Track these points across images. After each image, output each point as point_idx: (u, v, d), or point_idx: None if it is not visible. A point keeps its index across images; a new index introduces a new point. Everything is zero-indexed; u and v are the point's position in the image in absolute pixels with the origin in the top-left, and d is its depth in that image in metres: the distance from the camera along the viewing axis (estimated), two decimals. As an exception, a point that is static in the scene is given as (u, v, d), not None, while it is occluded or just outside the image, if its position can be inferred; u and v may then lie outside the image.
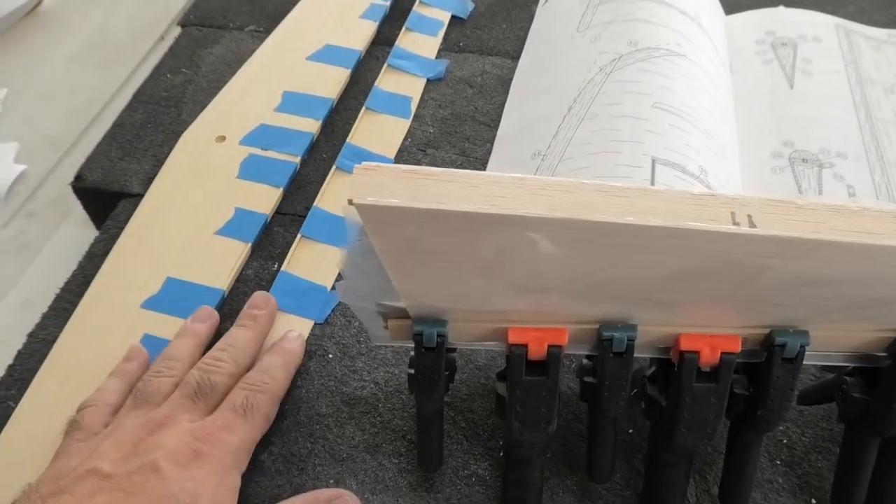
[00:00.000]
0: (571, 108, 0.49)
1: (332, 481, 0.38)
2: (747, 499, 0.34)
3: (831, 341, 0.30)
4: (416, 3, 0.65)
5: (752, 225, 0.25)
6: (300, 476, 0.38)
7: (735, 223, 0.25)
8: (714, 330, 0.30)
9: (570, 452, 0.39)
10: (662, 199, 0.25)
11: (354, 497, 0.36)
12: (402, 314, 0.30)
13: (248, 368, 0.39)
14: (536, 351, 0.30)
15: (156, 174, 0.52)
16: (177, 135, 0.55)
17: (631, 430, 0.40)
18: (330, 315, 0.45)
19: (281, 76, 0.58)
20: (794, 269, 0.26)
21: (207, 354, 0.39)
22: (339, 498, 0.35)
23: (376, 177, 0.25)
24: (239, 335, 0.40)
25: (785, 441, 0.39)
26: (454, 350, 0.34)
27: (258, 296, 0.43)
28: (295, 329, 0.43)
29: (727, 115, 0.51)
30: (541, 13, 0.63)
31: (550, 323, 0.30)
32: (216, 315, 0.43)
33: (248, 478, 0.38)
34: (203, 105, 0.57)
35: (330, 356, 0.43)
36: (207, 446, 0.33)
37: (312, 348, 0.44)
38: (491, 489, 0.38)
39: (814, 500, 0.37)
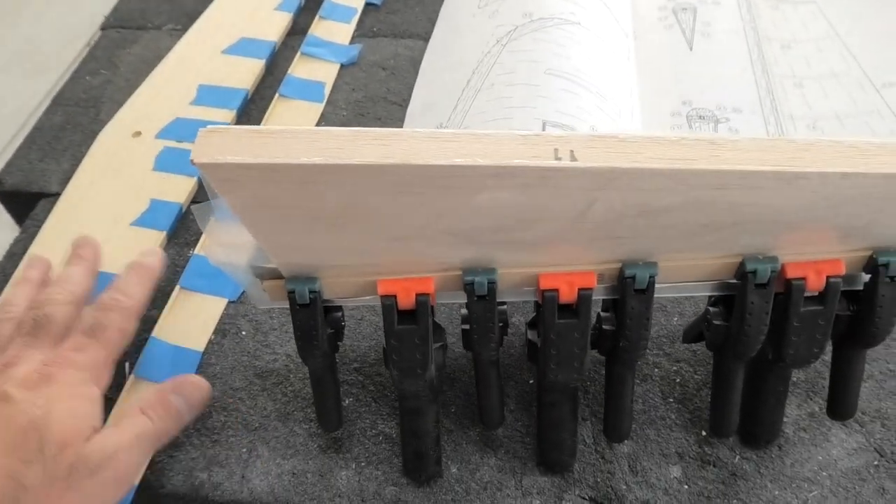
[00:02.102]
0: (470, 80, 0.51)
1: (244, 450, 0.40)
2: (628, 431, 0.36)
3: (682, 271, 0.31)
4: (330, -8, 0.67)
5: (573, 159, 0.26)
6: (213, 448, 0.40)
7: (557, 158, 0.26)
8: (571, 268, 0.31)
9: (474, 405, 0.40)
10: (491, 141, 0.27)
11: (199, 379, 0.39)
12: (276, 274, 0.32)
13: (86, 296, 0.40)
14: (406, 301, 0.31)
15: (74, 173, 0.53)
16: (95, 134, 0.56)
17: (532, 381, 0.41)
18: (243, 294, 0.46)
19: (197, 71, 0.59)
20: (623, 200, 0.27)
21: (38, 293, 0.40)
22: (181, 385, 0.38)
23: (221, 138, 0.26)
24: (67, 271, 0.41)
25: (678, 380, 0.41)
26: (339, 309, 0.35)
27: (79, 238, 0.44)
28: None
29: (625, 79, 0.53)
30: (451, -6, 0.65)
31: (417, 272, 0.31)
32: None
33: (163, 452, 0.39)
34: (121, 104, 0.58)
35: (243, 333, 0.45)
36: (56, 368, 0.35)
37: (226, 327, 0.45)
38: (397, 446, 0.39)
39: (703, 433, 0.39)
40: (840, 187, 0.27)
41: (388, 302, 0.31)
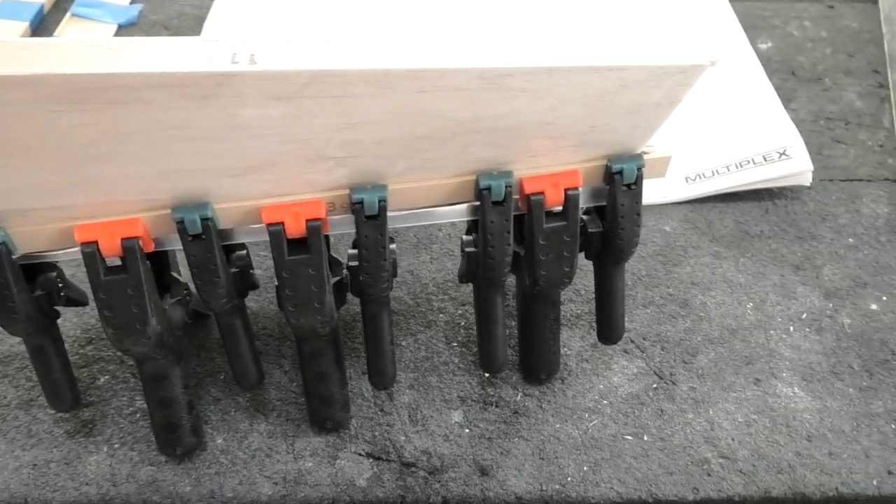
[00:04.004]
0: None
1: (-25, 446, 0.35)
2: (392, 375, 0.34)
3: (418, 195, 0.29)
4: (109, -51, 0.61)
5: (252, 63, 0.23)
6: (-62, 447, 0.34)
7: (234, 63, 0.23)
8: (296, 197, 0.28)
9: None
10: (161, 48, 0.23)
11: None
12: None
13: None
14: (110, 247, 0.27)
15: None
16: None
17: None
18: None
19: (-54, 35, 0.52)
20: (324, 111, 0.25)
21: None
22: None
23: None
24: None
25: (463, 323, 0.39)
26: (55, 269, 0.31)
27: None
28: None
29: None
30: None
31: (122, 214, 0.28)
32: None
33: None
34: None
35: (-17, 317, 0.39)
36: None
37: (-37, 311, 0.39)
38: (158, 422, 0.35)
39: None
40: (549, 85, 0.25)
41: (89, 250, 0.27)
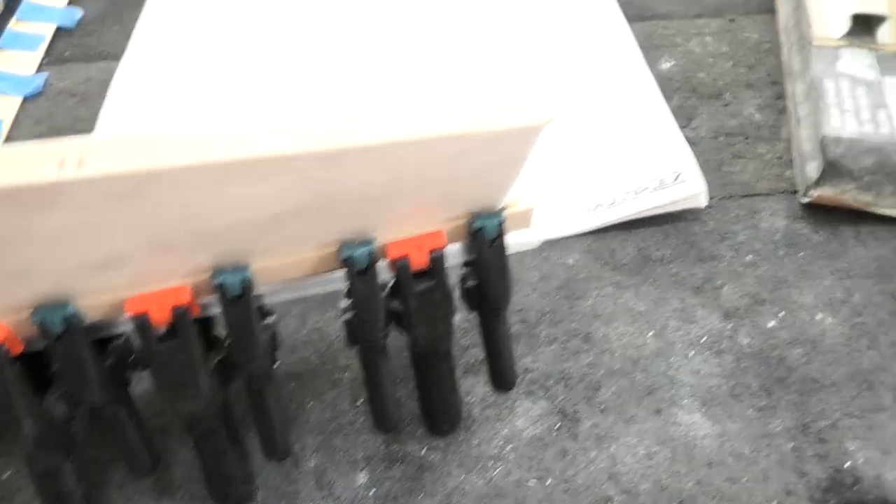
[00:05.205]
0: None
1: None
2: (285, 445, 0.34)
3: (285, 269, 0.29)
4: (12, 20, 0.61)
5: (80, 167, 0.23)
6: None
7: (61, 169, 0.23)
8: (161, 285, 0.28)
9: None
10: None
11: None
12: None
13: None
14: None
15: None
16: None
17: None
18: None
19: None
20: (166, 203, 0.25)
21: None
22: None
23: None
24: None
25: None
26: None
27: None
28: None
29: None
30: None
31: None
32: None
33: None
34: None
35: None
36: None
37: None
38: None
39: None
40: (390, 158, 0.26)
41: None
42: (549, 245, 0.45)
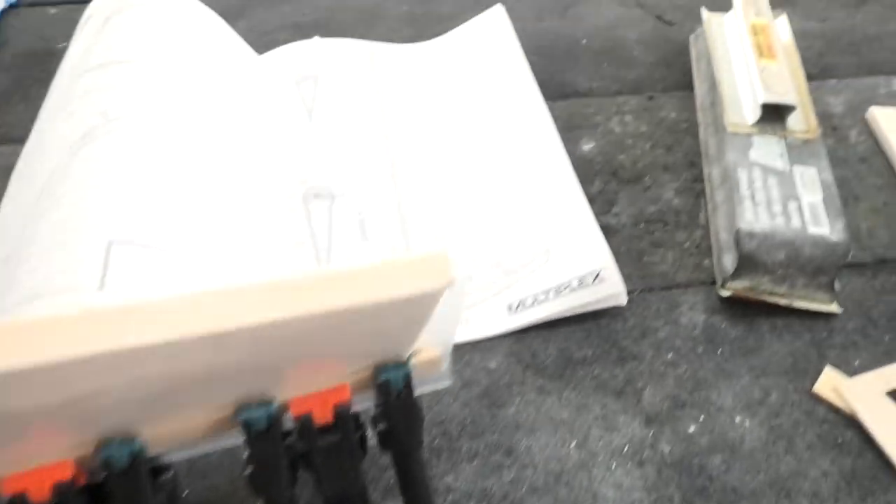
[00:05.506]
0: (40, 198, 0.45)
1: None
2: None
3: (180, 434, 0.28)
4: None
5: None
6: None
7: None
8: (41, 462, 0.26)
9: None
10: None
11: None
12: None
13: None
14: None
15: None
16: None
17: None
18: None
19: None
20: (40, 395, 0.23)
21: None
22: None
23: None
24: None
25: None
26: None
27: None
28: None
29: (219, 172, 0.49)
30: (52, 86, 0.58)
31: None
32: None
33: None
34: None
35: None
36: None
37: None
38: None
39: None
40: (281, 333, 0.25)
41: None
42: (472, 347, 0.44)
